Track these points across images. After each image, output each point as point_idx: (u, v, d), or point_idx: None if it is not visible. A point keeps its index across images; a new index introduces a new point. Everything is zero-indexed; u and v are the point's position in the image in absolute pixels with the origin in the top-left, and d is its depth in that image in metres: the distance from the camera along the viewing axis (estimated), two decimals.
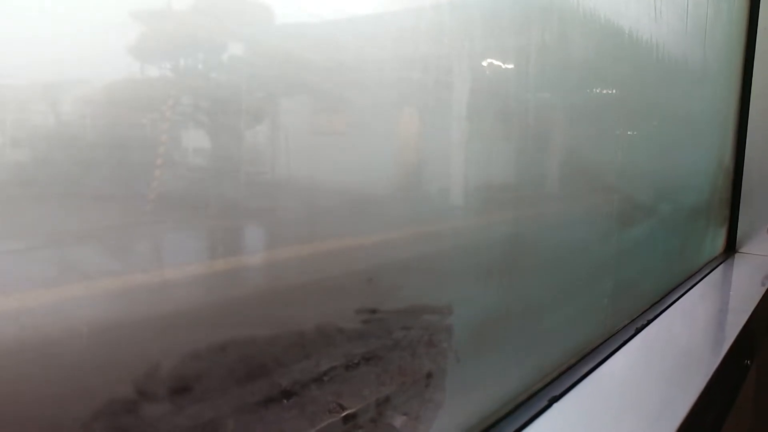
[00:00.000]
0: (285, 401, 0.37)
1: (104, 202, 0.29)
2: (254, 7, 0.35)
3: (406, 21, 0.46)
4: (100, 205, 0.29)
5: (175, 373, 0.31)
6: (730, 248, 1.69)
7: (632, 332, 0.93)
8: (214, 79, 0.33)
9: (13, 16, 0.26)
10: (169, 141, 0.31)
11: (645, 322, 0.99)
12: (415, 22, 0.47)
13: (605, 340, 0.88)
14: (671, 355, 0.88)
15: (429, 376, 0.50)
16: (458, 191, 0.54)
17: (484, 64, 0.57)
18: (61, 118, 0.27)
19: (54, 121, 0.27)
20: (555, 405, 0.66)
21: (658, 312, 1.06)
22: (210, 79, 0.33)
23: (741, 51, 1.61)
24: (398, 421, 0.46)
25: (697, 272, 1.40)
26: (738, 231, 1.69)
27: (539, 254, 0.70)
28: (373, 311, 0.44)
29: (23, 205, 0.26)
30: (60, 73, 0.27)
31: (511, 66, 0.60)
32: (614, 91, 0.88)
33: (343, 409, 0.41)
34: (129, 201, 0.30)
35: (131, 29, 0.29)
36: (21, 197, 0.26)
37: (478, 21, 0.54)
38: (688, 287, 1.26)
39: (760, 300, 1.17)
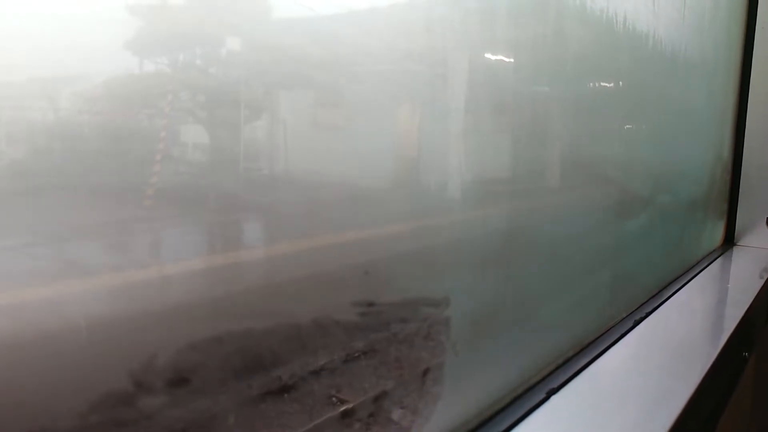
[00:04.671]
0: (282, 394, 0.38)
1: (102, 196, 0.29)
2: (252, 2, 0.35)
3: (407, 14, 0.46)
4: (98, 200, 0.29)
5: (173, 365, 0.31)
6: (729, 241, 1.70)
7: (631, 324, 0.93)
8: (212, 74, 0.33)
9: (11, 12, 0.26)
10: (167, 136, 0.31)
11: (643, 314, 0.99)
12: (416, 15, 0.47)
13: (604, 332, 0.88)
14: (670, 347, 0.89)
15: (427, 368, 0.50)
16: (456, 184, 0.55)
17: (483, 56, 0.57)
18: (60, 113, 0.27)
19: (52, 116, 0.27)
20: (553, 397, 0.66)
21: (657, 304, 1.06)
22: (208, 74, 0.33)
23: (740, 44, 1.61)
24: (396, 413, 0.46)
25: (695, 264, 1.40)
26: (737, 223, 1.69)
27: (536, 246, 0.70)
28: (371, 304, 0.44)
29: (20, 200, 0.26)
30: (58, 69, 0.27)
31: (506, 59, 0.60)
32: (613, 83, 0.88)
33: (341, 401, 0.41)
34: (127, 195, 0.30)
35: (129, 24, 0.29)
36: (18, 191, 0.26)
37: (475, 14, 0.54)
38: (687, 279, 1.26)
39: (759, 292, 1.18)
